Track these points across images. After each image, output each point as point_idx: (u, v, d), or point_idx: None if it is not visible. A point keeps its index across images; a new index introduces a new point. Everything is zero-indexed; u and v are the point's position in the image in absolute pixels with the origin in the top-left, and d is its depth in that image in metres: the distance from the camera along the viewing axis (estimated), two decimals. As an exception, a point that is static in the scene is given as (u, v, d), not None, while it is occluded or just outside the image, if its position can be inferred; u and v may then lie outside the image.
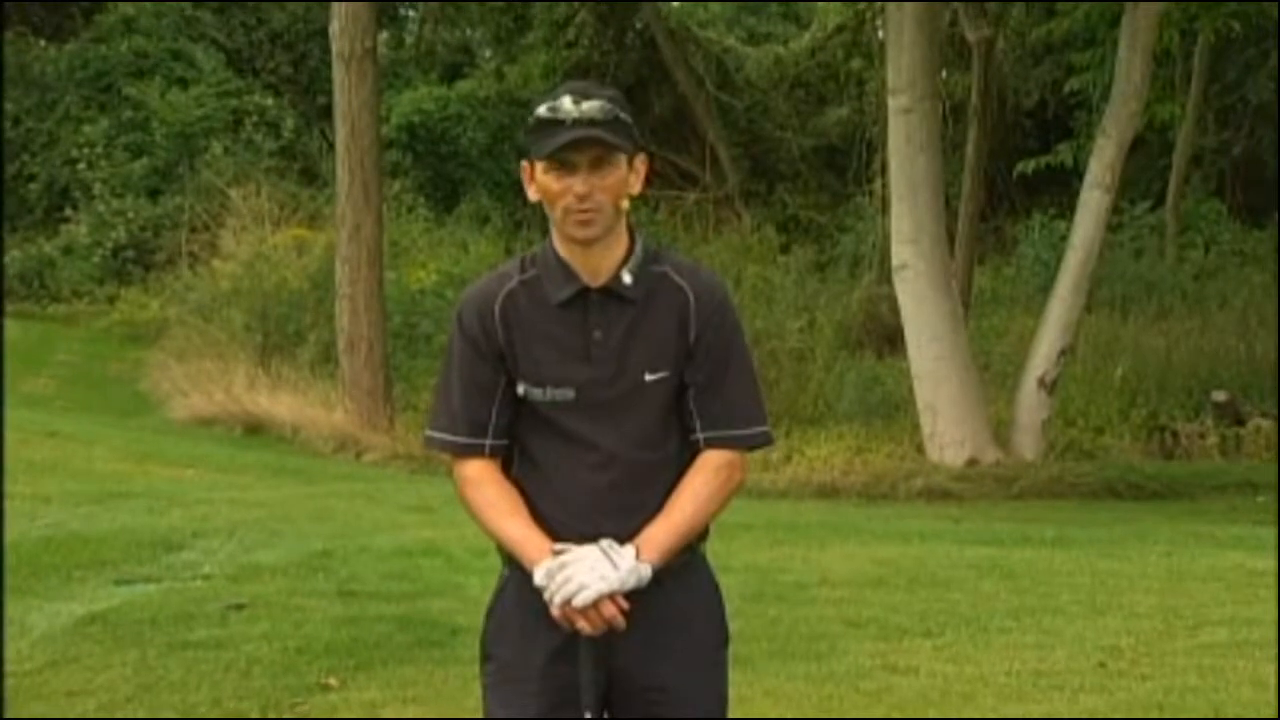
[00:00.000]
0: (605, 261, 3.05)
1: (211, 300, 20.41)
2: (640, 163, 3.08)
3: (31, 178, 26.52)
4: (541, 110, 2.98)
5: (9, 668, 6.23)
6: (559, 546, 2.98)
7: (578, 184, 2.96)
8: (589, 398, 3.03)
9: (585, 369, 3.03)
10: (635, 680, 3.06)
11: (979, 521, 11.66)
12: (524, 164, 3.06)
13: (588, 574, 2.93)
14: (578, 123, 2.94)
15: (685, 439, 3.10)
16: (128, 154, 25.65)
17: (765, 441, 3.16)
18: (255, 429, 16.43)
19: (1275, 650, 6.40)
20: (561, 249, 3.06)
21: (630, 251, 3.07)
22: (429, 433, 3.18)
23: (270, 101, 26.99)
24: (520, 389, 3.06)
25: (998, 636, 6.95)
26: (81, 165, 25.29)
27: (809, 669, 6.31)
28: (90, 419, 16.79)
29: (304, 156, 25.80)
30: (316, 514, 10.25)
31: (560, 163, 2.96)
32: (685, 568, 3.07)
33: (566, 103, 2.96)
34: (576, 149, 2.95)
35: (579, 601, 2.92)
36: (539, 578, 2.96)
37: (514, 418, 3.09)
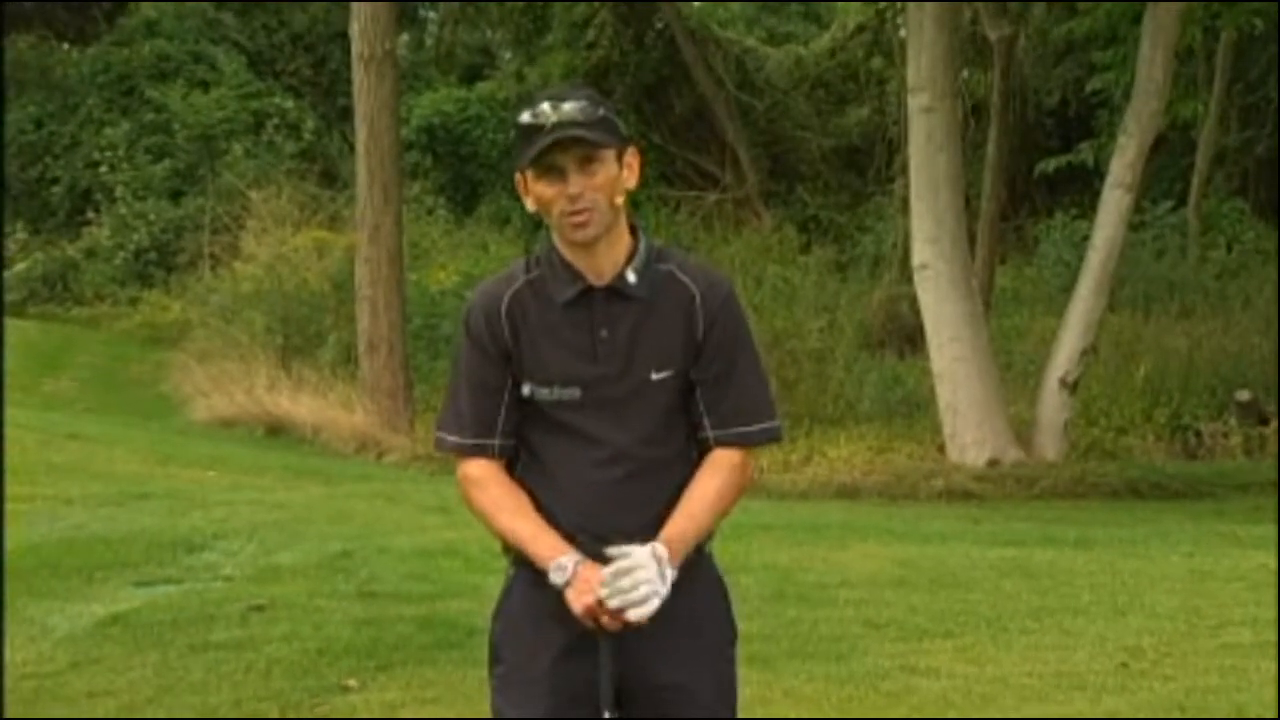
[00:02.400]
0: (608, 260, 3.05)
1: (233, 302, 20.48)
2: (631, 157, 3.07)
3: (54, 181, 26.66)
4: (523, 118, 2.99)
5: (30, 669, 6.26)
6: (614, 550, 2.96)
7: (569, 186, 2.96)
8: (596, 396, 3.03)
9: (592, 368, 3.03)
10: (646, 679, 3.04)
11: (1000, 522, 11.62)
12: (517, 176, 3.06)
13: (648, 585, 2.91)
14: (558, 125, 2.94)
15: (691, 436, 3.10)
16: (149, 156, 25.76)
17: (776, 437, 3.16)
18: (276, 430, 16.49)
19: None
20: (564, 250, 3.06)
21: (634, 250, 3.07)
22: (438, 434, 3.19)
23: (291, 103, 27.07)
24: (526, 389, 3.06)
25: (1019, 637, 6.92)
26: (104, 168, 25.41)
27: (829, 670, 6.29)
28: (112, 420, 16.86)
29: (324, 158, 25.88)
30: (337, 515, 10.27)
31: (548, 168, 2.97)
32: (691, 566, 3.06)
33: (545, 108, 2.96)
34: (561, 150, 2.95)
35: (640, 614, 2.91)
36: (556, 578, 2.95)
37: (520, 419, 3.09)
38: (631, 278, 3.04)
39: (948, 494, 13.69)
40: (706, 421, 3.08)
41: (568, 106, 2.95)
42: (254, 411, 16.78)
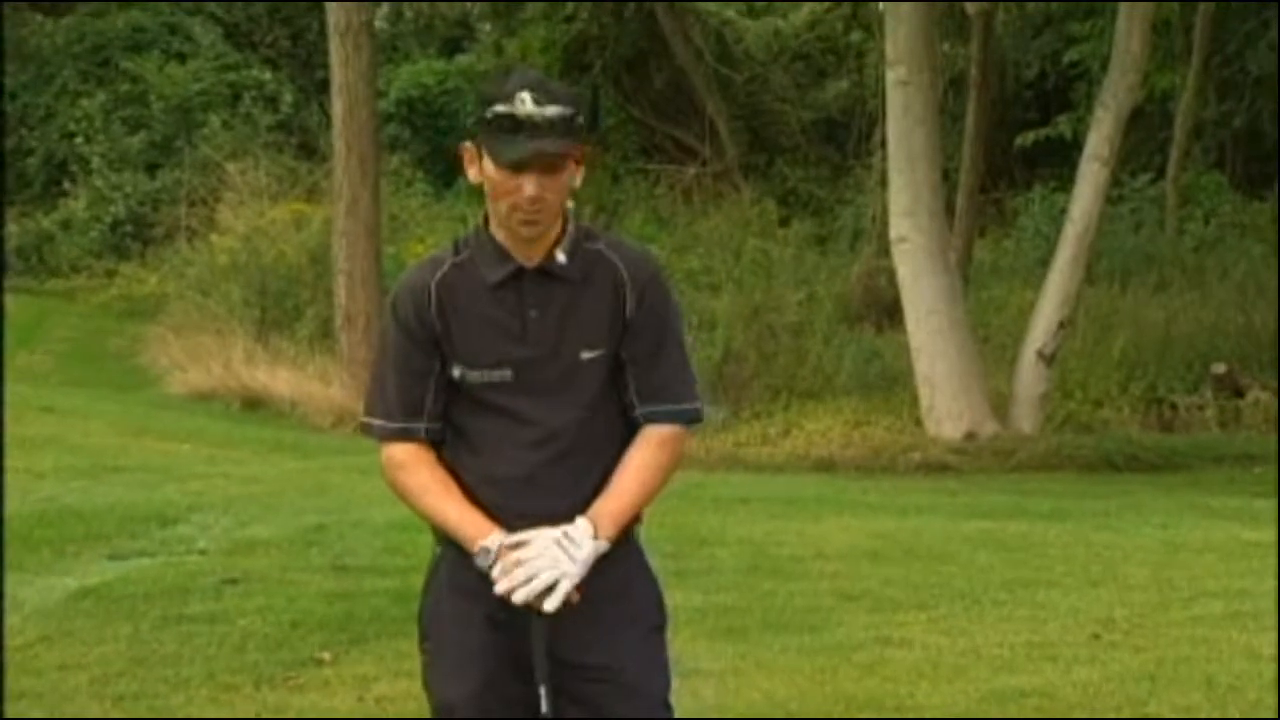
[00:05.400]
0: (540, 244, 3.05)
1: (210, 275, 20.37)
2: (581, 155, 3.05)
3: (29, 152, 26.49)
4: (499, 108, 2.94)
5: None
6: (513, 539, 2.96)
7: (529, 186, 2.95)
8: (527, 378, 3.03)
9: (522, 349, 3.04)
10: (569, 659, 3.04)
11: (976, 494, 11.66)
12: (467, 145, 3.04)
13: (550, 572, 2.92)
14: (538, 128, 2.91)
15: (621, 415, 3.11)
16: (125, 128, 25.61)
17: (699, 418, 3.17)
18: (253, 404, 16.44)
19: (1270, 621, 6.40)
20: (497, 233, 3.06)
21: (563, 231, 3.07)
22: (365, 419, 3.17)
23: (268, 75, 26.92)
24: (456, 372, 3.06)
25: (991, 609, 6.96)
26: (79, 140, 25.26)
27: (803, 641, 6.31)
28: (88, 394, 16.80)
29: (302, 130, 25.73)
30: (312, 488, 10.26)
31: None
32: (617, 549, 3.05)
33: (527, 103, 2.92)
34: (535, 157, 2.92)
35: (547, 606, 2.92)
36: (481, 561, 2.96)
37: (449, 403, 3.08)
38: (561, 258, 3.05)
39: (925, 467, 13.73)
40: (635, 399, 3.09)
41: (552, 110, 2.92)
42: (231, 385, 16.73)
